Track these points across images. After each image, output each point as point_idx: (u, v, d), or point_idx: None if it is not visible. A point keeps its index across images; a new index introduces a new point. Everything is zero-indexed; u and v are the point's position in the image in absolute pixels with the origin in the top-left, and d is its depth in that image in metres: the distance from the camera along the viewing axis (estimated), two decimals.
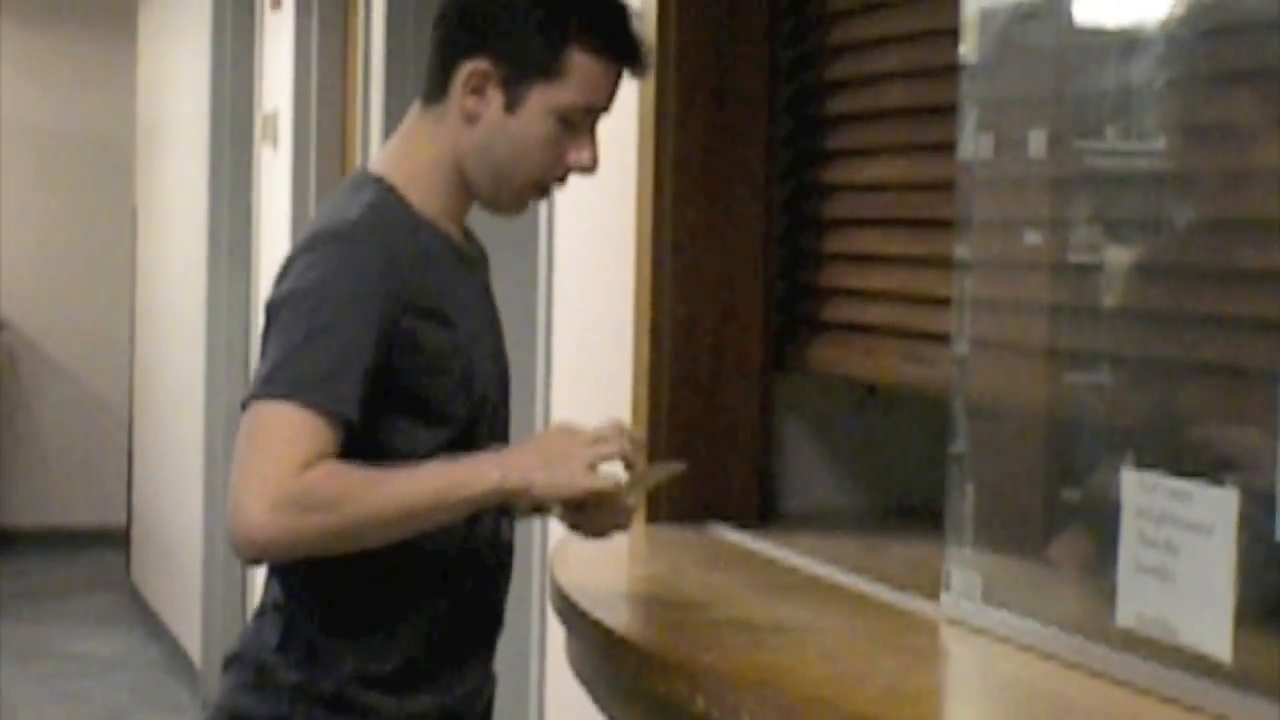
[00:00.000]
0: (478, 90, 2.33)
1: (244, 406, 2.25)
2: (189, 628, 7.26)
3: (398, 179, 2.38)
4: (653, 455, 3.22)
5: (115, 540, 9.18)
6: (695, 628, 2.43)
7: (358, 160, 5.41)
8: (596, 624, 2.45)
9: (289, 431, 2.20)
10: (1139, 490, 2.06)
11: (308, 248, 2.31)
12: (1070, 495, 2.25)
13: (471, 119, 2.35)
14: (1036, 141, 2.30)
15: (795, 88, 3.28)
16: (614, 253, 3.41)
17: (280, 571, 2.39)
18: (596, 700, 2.64)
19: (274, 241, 6.29)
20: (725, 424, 3.25)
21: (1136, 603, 2.06)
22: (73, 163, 10.08)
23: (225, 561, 6.90)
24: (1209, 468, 1.97)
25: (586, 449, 2.27)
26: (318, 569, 2.30)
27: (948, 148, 2.49)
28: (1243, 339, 1.99)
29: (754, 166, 3.25)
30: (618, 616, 2.46)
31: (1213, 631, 1.94)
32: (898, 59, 2.99)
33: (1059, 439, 2.28)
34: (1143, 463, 2.07)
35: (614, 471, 2.32)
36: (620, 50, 2.35)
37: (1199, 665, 1.96)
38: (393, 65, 5.01)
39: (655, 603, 2.54)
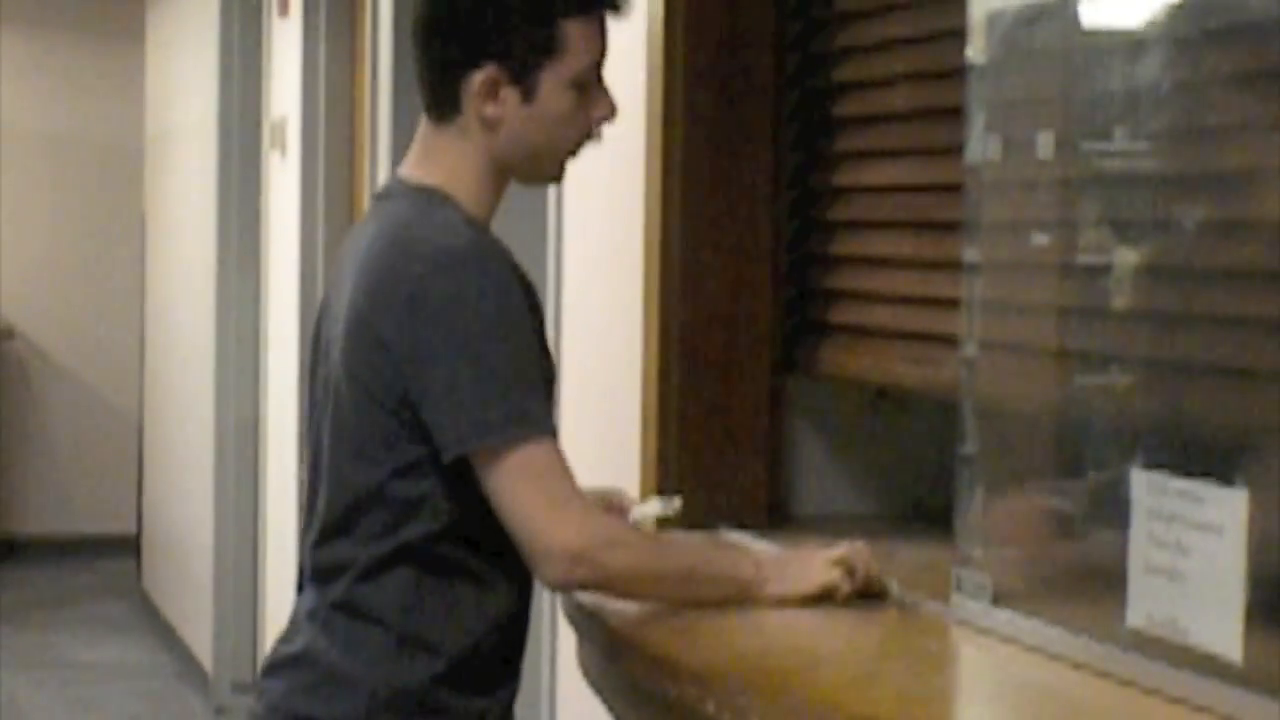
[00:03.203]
0: (491, 96, 2.39)
1: (472, 452, 2.31)
2: (200, 635, 7.27)
3: (455, 192, 2.44)
4: (663, 457, 3.22)
5: (126, 548, 9.19)
6: (706, 632, 2.43)
7: (366, 167, 5.41)
8: (607, 628, 2.45)
9: (552, 466, 2.32)
10: (1149, 491, 2.06)
11: (435, 271, 2.32)
12: (1079, 497, 2.25)
13: (494, 124, 2.41)
14: (1044, 143, 2.30)
15: (802, 91, 3.28)
16: (623, 256, 3.41)
17: (347, 574, 2.41)
18: (607, 704, 2.64)
19: (283, 248, 6.30)
20: (734, 427, 3.25)
21: (1147, 603, 2.05)
22: (82, 170, 10.09)
23: (236, 568, 6.91)
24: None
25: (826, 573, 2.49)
26: (393, 578, 2.37)
27: (955, 150, 2.49)
28: (1253, 340, 1.99)
29: (762, 170, 3.25)
30: (628, 620, 2.46)
31: (1223, 632, 1.94)
32: (905, 61, 2.99)
33: (1068, 440, 2.28)
34: (1152, 463, 2.06)
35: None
36: (601, 1, 2.44)
37: (1209, 666, 1.96)
38: (401, 72, 5.02)
39: (666, 607, 2.54)
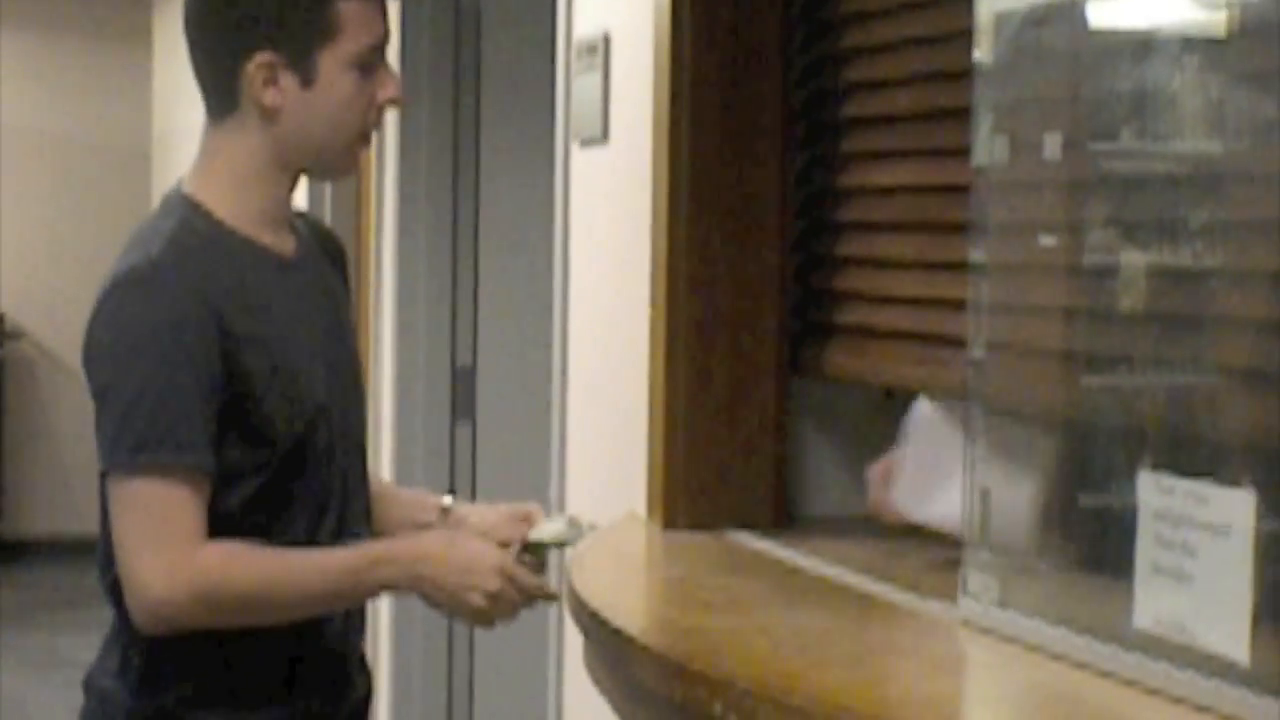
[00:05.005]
0: (270, 82, 2.32)
1: (103, 475, 2.26)
2: None
3: (207, 197, 2.37)
4: (670, 460, 3.22)
5: None
6: (713, 633, 2.43)
7: (372, 167, 5.42)
8: (614, 630, 2.45)
9: (159, 504, 2.22)
10: (1156, 492, 2.05)
11: (112, 291, 2.30)
12: (1087, 498, 2.25)
13: (274, 113, 2.34)
14: (1051, 144, 2.30)
15: (809, 92, 3.28)
16: (630, 259, 3.41)
17: (116, 598, 2.35)
18: (614, 706, 2.64)
19: None
20: (742, 429, 3.25)
21: (1154, 605, 2.05)
22: (90, 172, 10.11)
23: None
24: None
25: (476, 595, 2.30)
26: None
27: (963, 152, 2.49)
28: (1260, 341, 1.99)
29: (768, 171, 3.25)
30: (635, 622, 2.46)
31: (1230, 633, 1.94)
32: (912, 63, 2.99)
33: (1075, 442, 2.28)
34: (1159, 465, 2.06)
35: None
36: None
37: (1216, 667, 1.96)
38: (407, 72, 5.02)
39: (673, 608, 2.54)
